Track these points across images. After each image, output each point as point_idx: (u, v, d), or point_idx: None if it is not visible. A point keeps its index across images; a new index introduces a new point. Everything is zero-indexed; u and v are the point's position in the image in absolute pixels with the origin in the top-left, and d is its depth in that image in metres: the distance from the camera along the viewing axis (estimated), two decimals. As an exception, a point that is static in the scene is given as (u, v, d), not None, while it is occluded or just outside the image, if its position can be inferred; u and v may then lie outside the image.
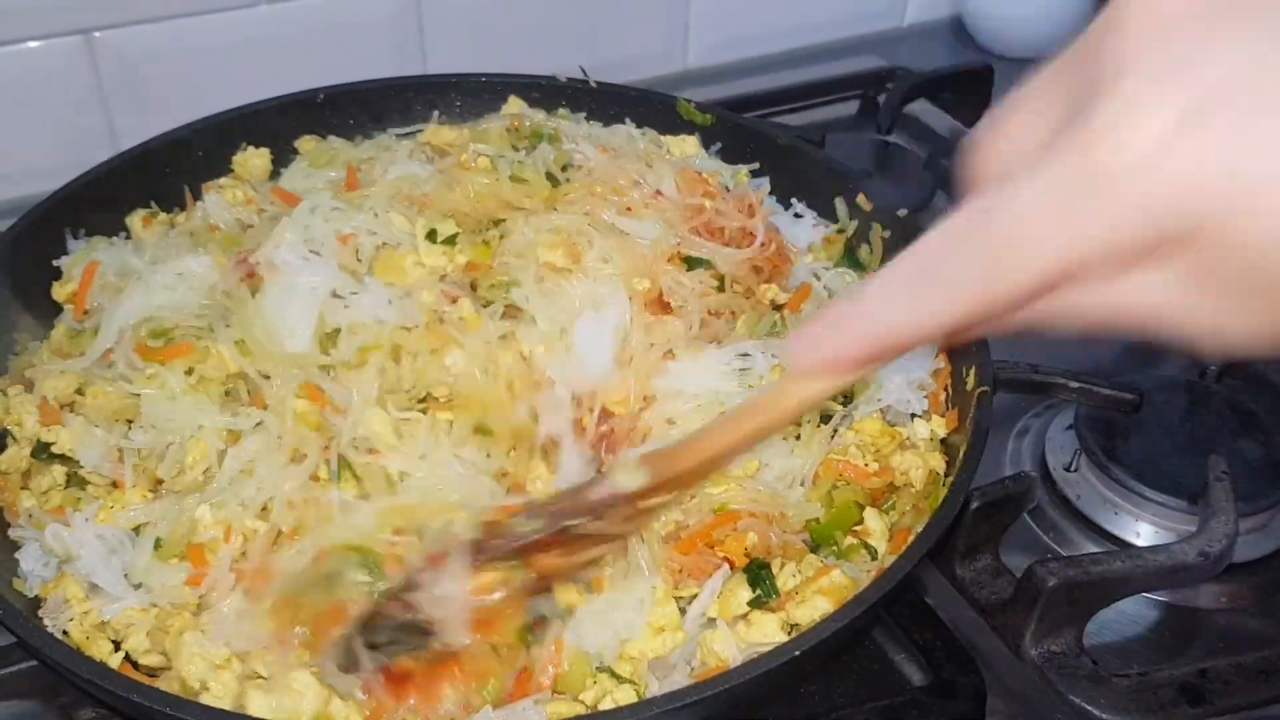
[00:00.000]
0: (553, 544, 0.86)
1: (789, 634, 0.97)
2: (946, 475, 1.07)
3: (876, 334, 0.64)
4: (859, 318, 0.64)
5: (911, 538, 0.95)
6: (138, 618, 0.99)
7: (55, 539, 1.03)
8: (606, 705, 0.90)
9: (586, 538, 0.86)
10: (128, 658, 0.98)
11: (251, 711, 0.90)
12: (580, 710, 0.89)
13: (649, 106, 1.49)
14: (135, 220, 1.32)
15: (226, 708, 0.91)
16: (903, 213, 1.29)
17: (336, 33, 1.79)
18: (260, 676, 0.94)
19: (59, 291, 1.25)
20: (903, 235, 1.29)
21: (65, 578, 1.01)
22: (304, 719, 0.90)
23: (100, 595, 1.00)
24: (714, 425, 0.81)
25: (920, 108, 1.94)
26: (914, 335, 0.62)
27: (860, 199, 1.33)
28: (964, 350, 1.13)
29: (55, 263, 1.26)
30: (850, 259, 1.37)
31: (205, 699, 0.91)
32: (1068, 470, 1.29)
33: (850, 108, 1.99)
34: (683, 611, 0.99)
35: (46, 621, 0.99)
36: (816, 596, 1.00)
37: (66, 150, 1.65)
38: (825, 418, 1.14)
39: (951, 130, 1.94)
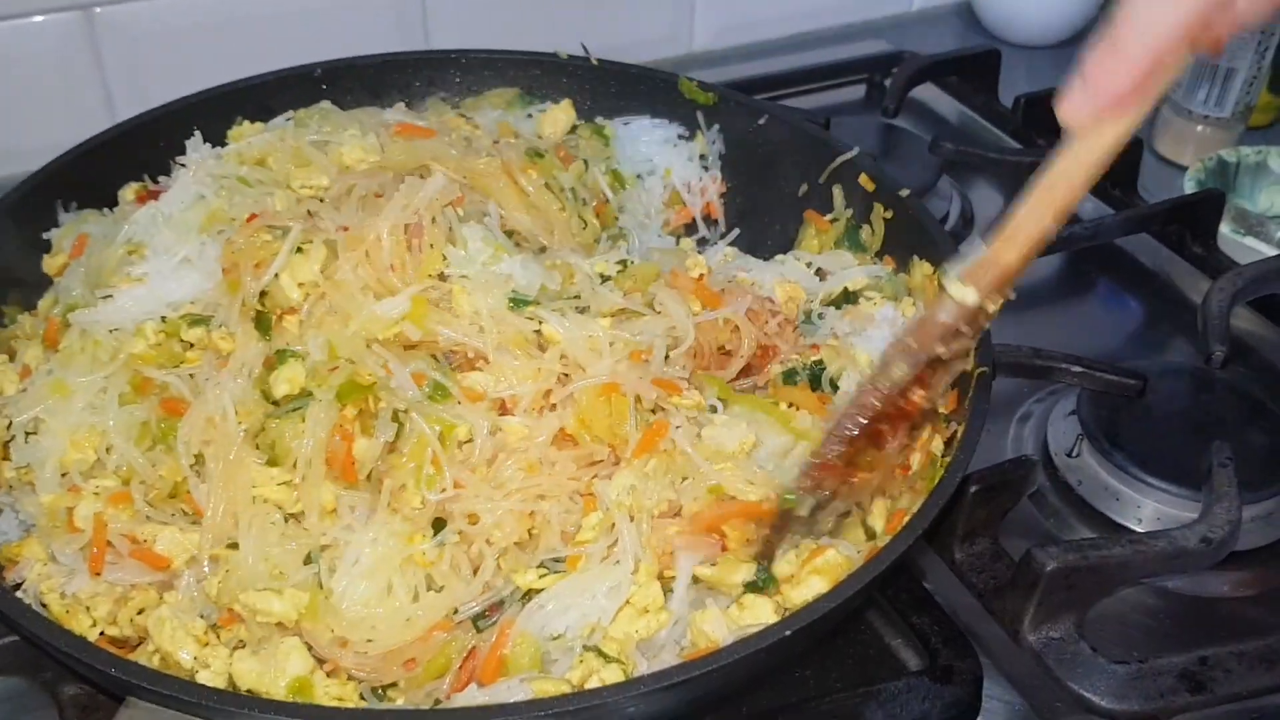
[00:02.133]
0: (920, 380, 0.94)
1: (782, 616, 0.95)
2: (944, 457, 1.05)
3: (1149, 46, 0.70)
4: (1125, 38, 0.71)
5: (907, 518, 0.94)
6: (103, 588, 0.98)
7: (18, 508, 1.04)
8: (593, 684, 0.89)
9: (943, 364, 0.95)
10: (104, 632, 0.98)
11: (236, 673, 0.89)
12: (566, 688, 0.88)
13: (651, 85, 1.47)
14: (128, 193, 1.30)
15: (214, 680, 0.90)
16: (905, 192, 1.27)
17: (339, 8, 1.78)
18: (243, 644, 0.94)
19: (49, 264, 1.23)
20: (906, 215, 1.27)
21: (31, 540, 1.01)
22: (284, 681, 0.90)
23: (61, 567, 1.00)
24: (1018, 218, 0.86)
25: (926, 92, 1.92)
26: (1178, 34, 0.70)
27: (863, 179, 1.31)
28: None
29: (45, 235, 1.25)
30: (852, 239, 1.35)
31: (202, 676, 0.91)
32: (1069, 456, 1.27)
33: (857, 92, 1.98)
34: (670, 592, 0.97)
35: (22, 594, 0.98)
36: (811, 576, 0.99)
37: (66, 125, 1.63)
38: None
39: (956, 114, 1.93)
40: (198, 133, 1.30)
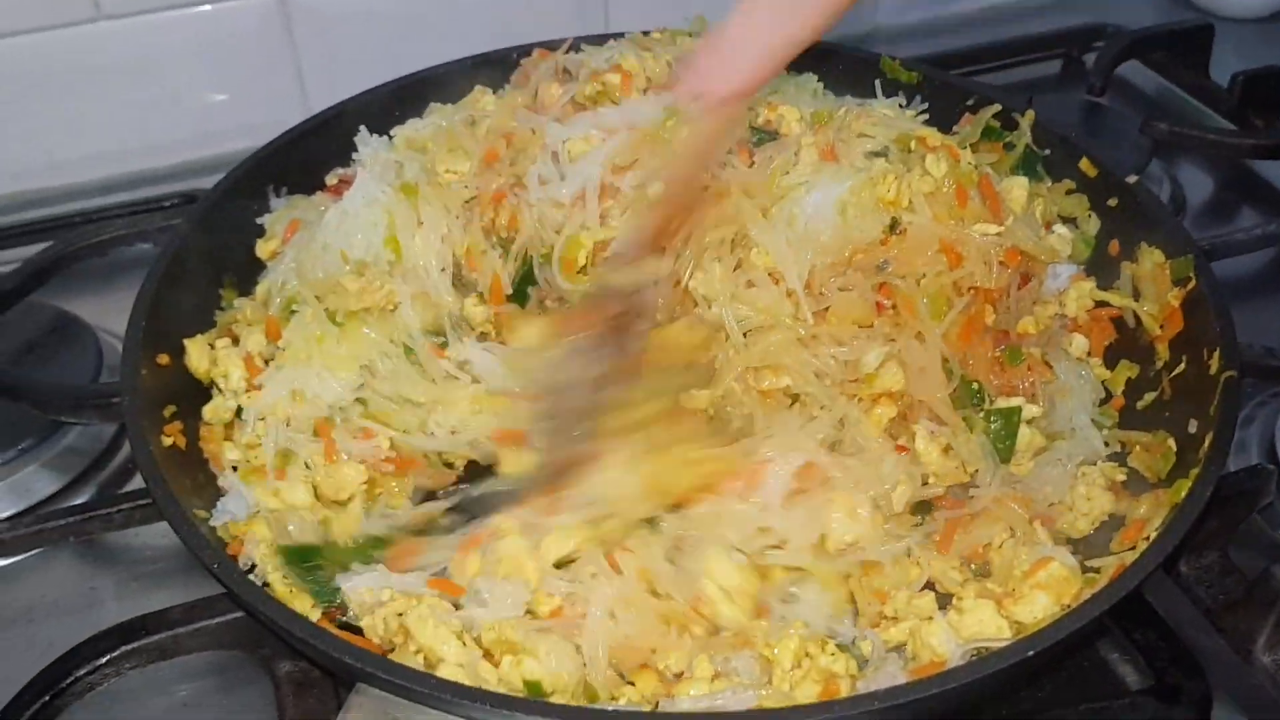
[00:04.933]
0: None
1: (1011, 630, 0.91)
2: (1189, 466, 0.99)
3: (760, 57, 0.86)
4: (737, 48, 0.86)
5: (1149, 531, 0.88)
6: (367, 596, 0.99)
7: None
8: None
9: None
10: (325, 613, 0.99)
11: (527, 673, 0.89)
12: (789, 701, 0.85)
13: (848, 63, 1.42)
14: (333, 179, 1.32)
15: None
16: (1134, 179, 1.20)
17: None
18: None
19: (262, 249, 1.27)
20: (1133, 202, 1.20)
21: (258, 520, 1.03)
22: (569, 678, 0.90)
23: None
24: (660, 198, 1.03)
25: (1128, 68, 1.81)
26: (789, 52, 0.87)
27: (1084, 164, 1.24)
28: (1208, 332, 1.05)
29: (259, 220, 1.28)
30: (1028, 169, 1.28)
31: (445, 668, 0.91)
32: (1302, 463, 1.19)
33: (1053, 67, 1.88)
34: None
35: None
36: (1035, 591, 0.95)
37: (260, 108, 1.68)
38: None
39: (1160, 91, 1.82)
40: (363, 128, 1.31)
